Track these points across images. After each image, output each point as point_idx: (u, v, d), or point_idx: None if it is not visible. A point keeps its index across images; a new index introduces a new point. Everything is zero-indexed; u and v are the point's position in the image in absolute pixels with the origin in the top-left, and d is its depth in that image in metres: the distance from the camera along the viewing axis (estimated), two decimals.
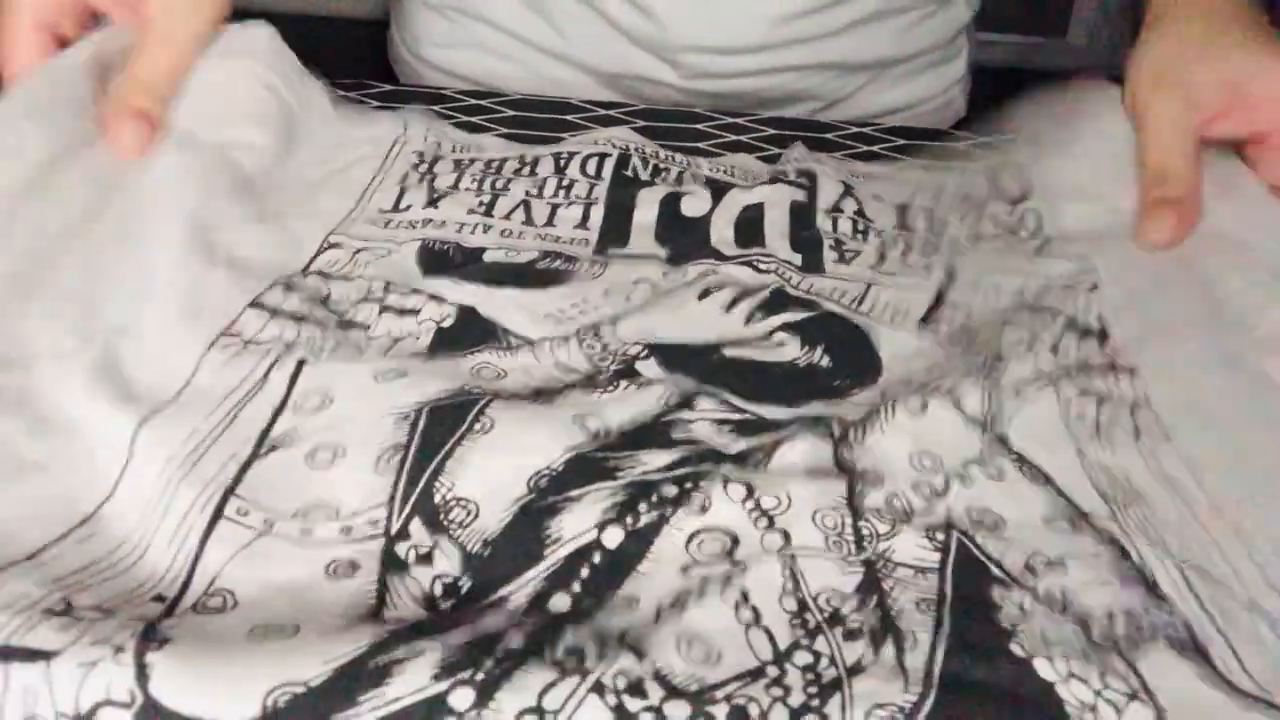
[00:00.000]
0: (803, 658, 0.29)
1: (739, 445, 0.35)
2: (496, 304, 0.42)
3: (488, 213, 0.47)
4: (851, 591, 0.31)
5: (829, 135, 0.56)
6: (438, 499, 0.33)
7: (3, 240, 0.38)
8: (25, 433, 0.33)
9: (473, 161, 0.51)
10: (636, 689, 0.27)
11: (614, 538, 0.32)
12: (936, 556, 0.32)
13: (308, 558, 0.31)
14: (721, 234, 0.47)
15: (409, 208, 0.47)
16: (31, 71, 0.45)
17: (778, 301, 0.43)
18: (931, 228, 0.49)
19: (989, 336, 0.41)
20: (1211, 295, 0.44)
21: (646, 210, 0.48)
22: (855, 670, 0.28)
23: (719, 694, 0.27)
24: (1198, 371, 0.40)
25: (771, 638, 0.29)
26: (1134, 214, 0.48)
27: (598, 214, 0.48)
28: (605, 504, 0.32)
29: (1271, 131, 0.48)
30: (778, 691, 0.27)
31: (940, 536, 0.33)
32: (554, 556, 0.31)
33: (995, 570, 0.32)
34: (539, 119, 0.55)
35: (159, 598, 0.29)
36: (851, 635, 0.29)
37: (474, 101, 0.57)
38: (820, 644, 0.29)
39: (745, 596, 0.30)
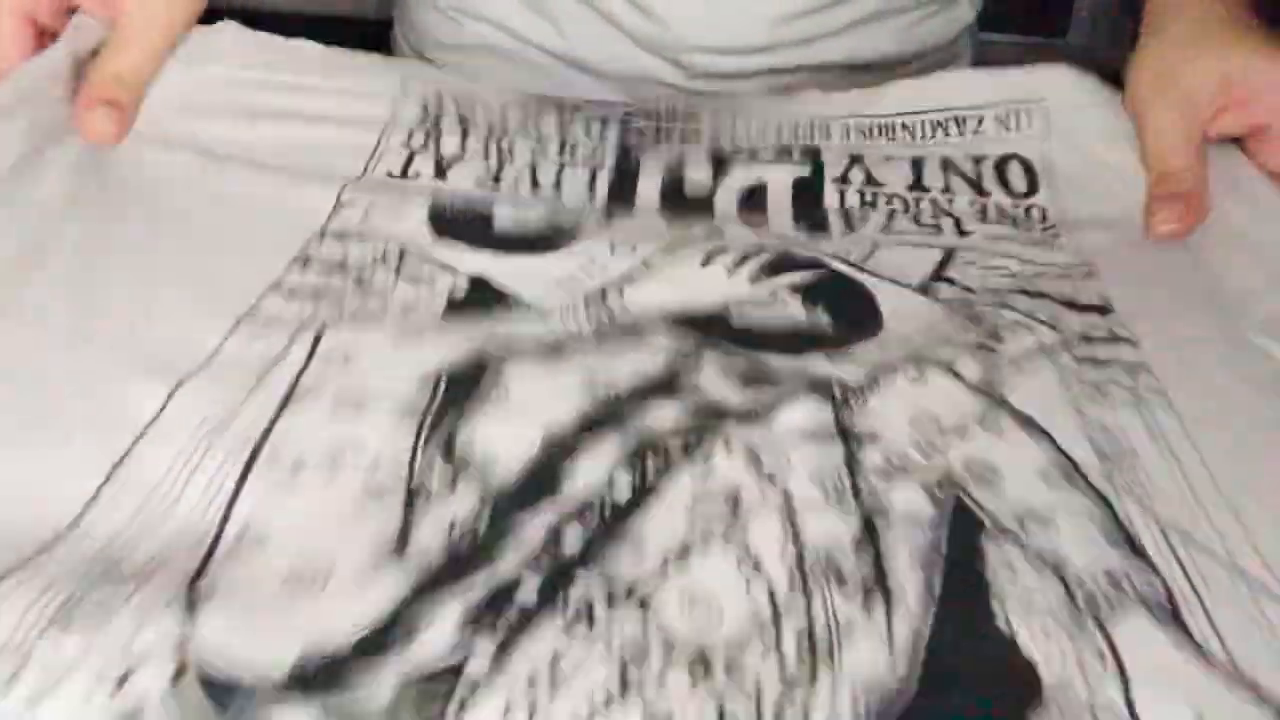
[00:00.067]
0: (798, 621, 0.29)
1: (742, 397, 0.37)
2: (507, 272, 0.43)
3: (495, 180, 0.48)
4: (849, 542, 0.32)
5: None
6: (457, 448, 0.35)
7: None
8: (47, 398, 0.34)
9: (476, 108, 0.52)
10: (641, 649, 0.28)
11: (622, 486, 0.33)
12: (932, 510, 0.33)
13: (336, 496, 0.32)
14: (725, 208, 0.48)
15: (418, 175, 0.48)
16: (9, 67, 0.46)
17: (782, 263, 0.44)
18: (947, 187, 0.50)
19: (985, 313, 0.42)
20: (1213, 281, 0.45)
21: (650, 183, 0.49)
22: (847, 633, 0.29)
23: (718, 656, 0.28)
24: (1197, 345, 0.41)
25: (771, 591, 0.30)
26: (1140, 207, 0.49)
27: (604, 181, 0.49)
28: (614, 457, 0.34)
29: (1269, 123, 0.49)
30: (774, 657, 0.28)
31: (937, 491, 0.34)
32: (566, 500, 0.33)
33: (988, 523, 0.33)
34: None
35: (199, 541, 0.30)
36: (845, 587, 0.30)
37: None
38: (816, 605, 0.30)
39: (746, 547, 0.31)
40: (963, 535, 0.32)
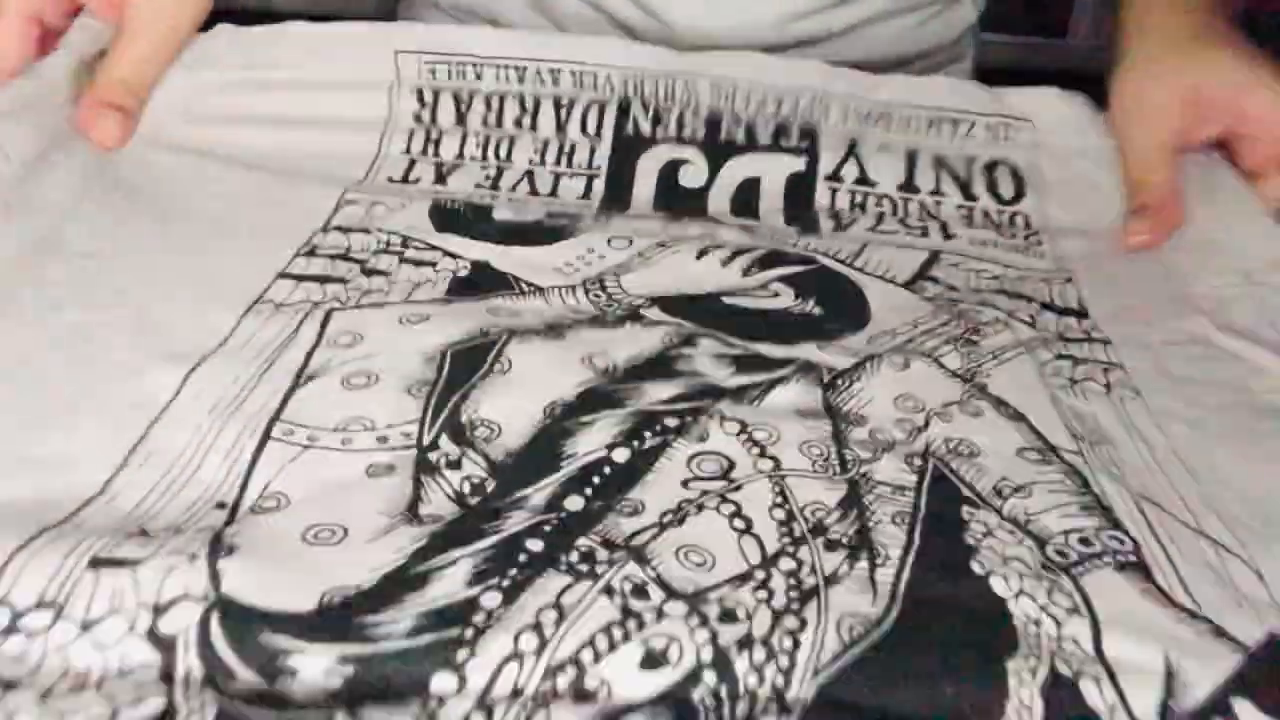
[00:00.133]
0: (787, 564, 0.31)
1: (737, 380, 0.39)
2: (508, 261, 0.45)
3: (494, 186, 0.50)
4: (834, 505, 0.34)
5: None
6: (464, 419, 0.36)
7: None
8: (68, 385, 0.36)
9: (472, 97, 0.52)
10: (640, 591, 0.30)
11: (622, 454, 0.35)
12: (914, 478, 0.35)
13: (349, 462, 0.34)
14: (718, 206, 0.50)
15: (418, 180, 0.50)
16: (15, 66, 0.46)
17: (774, 257, 0.46)
18: (937, 188, 0.52)
19: (968, 310, 0.44)
20: (1184, 289, 0.47)
21: (644, 184, 0.51)
22: (832, 580, 0.31)
23: (712, 596, 0.30)
24: (1168, 347, 0.43)
25: (761, 545, 0.32)
26: (1119, 218, 0.51)
27: (599, 186, 0.51)
28: (614, 429, 0.36)
29: (1240, 127, 0.51)
30: (763, 594, 0.30)
31: (918, 461, 0.36)
32: (569, 466, 0.35)
33: (966, 491, 0.35)
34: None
35: (220, 504, 0.32)
36: (832, 545, 0.32)
37: None
38: (803, 553, 0.32)
39: (739, 508, 0.33)
40: (943, 503, 0.35)
